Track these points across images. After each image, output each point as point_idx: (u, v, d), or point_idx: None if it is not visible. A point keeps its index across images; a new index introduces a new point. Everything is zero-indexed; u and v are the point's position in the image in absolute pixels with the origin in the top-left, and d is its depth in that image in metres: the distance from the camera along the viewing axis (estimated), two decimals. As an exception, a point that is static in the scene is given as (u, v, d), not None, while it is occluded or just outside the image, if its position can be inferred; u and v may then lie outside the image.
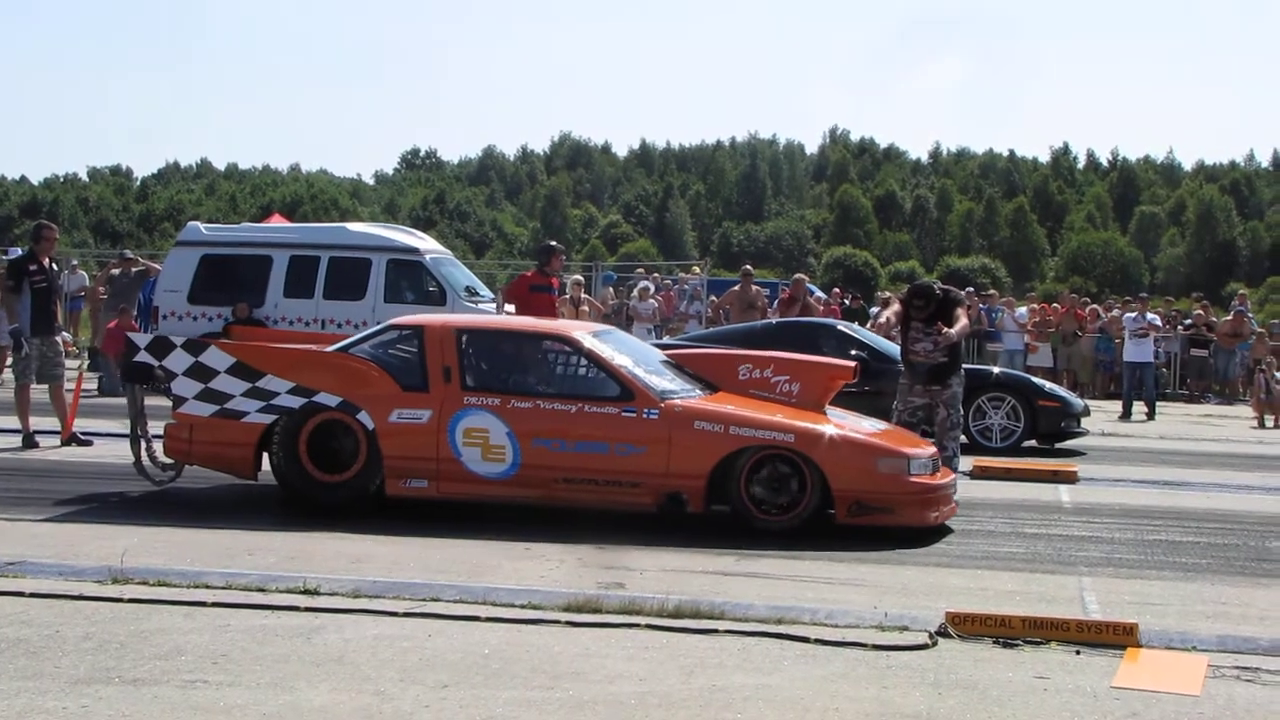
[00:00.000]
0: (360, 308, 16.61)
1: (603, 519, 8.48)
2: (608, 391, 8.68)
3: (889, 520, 8.39)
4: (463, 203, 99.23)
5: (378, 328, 9.61)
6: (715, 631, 5.86)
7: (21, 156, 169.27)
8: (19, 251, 19.42)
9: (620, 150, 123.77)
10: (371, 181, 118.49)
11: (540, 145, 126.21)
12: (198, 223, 19.44)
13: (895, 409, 10.31)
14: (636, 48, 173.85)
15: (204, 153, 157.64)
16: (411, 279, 17.08)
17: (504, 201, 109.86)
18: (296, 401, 8.82)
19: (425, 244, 17.99)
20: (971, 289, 26.91)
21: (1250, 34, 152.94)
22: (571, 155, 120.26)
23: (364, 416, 8.73)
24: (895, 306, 11.22)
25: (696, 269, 29.04)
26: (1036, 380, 14.73)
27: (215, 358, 8.99)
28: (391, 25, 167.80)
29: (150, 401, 9.39)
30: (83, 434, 12.03)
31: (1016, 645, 5.78)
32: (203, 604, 6.16)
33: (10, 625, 5.75)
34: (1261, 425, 18.35)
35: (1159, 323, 21.77)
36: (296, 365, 8.98)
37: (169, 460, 9.33)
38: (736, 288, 20.65)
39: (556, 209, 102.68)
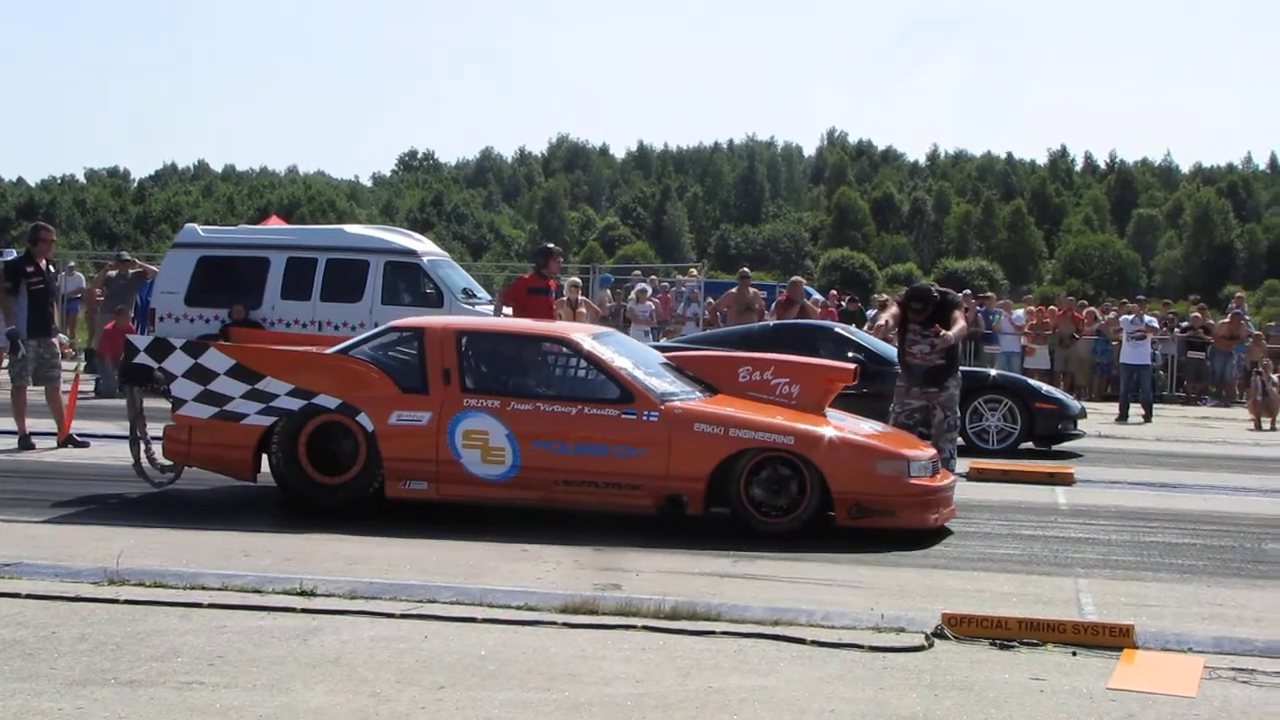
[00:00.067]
0: (357, 310, 16.62)
1: (600, 521, 8.48)
2: (608, 394, 8.68)
3: (889, 523, 8.40)
4: (460, 205, 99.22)
5: (377, 330, 9.61)
6: (712, 633, 5.86)
7: (18, 158, 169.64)
8: (14, 253, 19.39)
9: (618, 152, 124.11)
10: (369, 183, 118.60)
11: (538, 147, 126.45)
12: (195, 224, 19.46)
13: (892, 411, 10.32)
14: (634, 49, 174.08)
15: (201, 154, 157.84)
16: (409, 281, 17.10)
17: (501, 203, 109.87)
18: (296, 403, 8.82)
19: (423, 246, 18.01)
20: (969, 291, 26.94)
21: (1247, 37, 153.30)
22: (569, 157, 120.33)
23: (363, 418, 8.73)
24: (893, 309, 11.24)
25: (694, 271, 29.09)
26: (1033, 382, 14.74)
27: (215, 360, 8.99)
28: (389, 27, 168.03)
29: (149, 403, 9.39)
30: (79, 436, 12.02)
31: (1013, 647, 5.79)
32: (199, 605, 6.15)
33: (6, 626, 5.74)
34: (1258, 427, 18.37)
35: (1156, 325, 21.81)
36: (296, 367, 8.98)
37: (168, 462, 9.32)
38: (734, 290, 20.65)
39: (554, 211, 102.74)
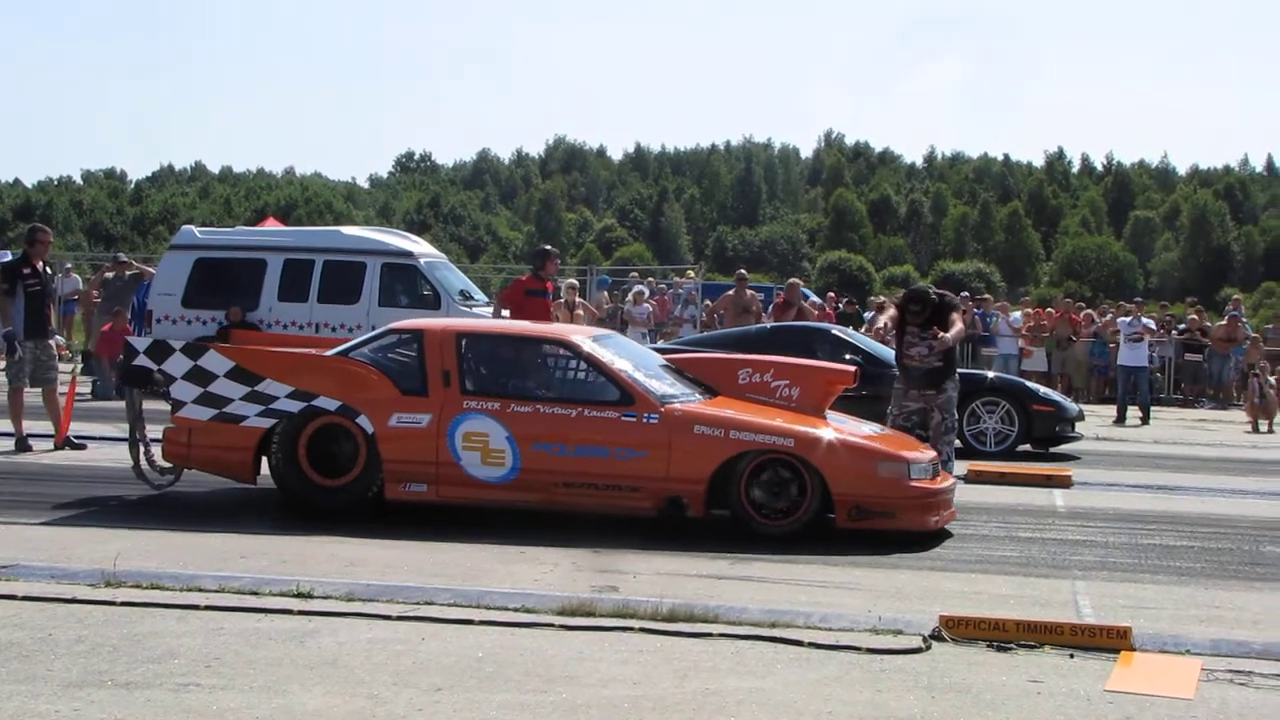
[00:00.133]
0: (354, 311, 16.60)
1: (597, 523, 8.47)
2: (608, 396, 8.68)
3: (889, 525, 8.40)
4: (457, 206, 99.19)
5: (377, 332, 9.60)
6: (709, 635, 5.86)
7: (15, 159, 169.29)
8: (11, 255, 19.36)
9: (615, 154, 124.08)
10: (366, 185, 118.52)
11: (535, 149, 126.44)
12: (192, 226, 19.42)
13: (890, 413, 10.33)
14: (632, 51, 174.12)
15: (198, 156, 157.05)
16: (406, 283, 17.08)
17: (499, 205, 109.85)
18: (296, 405, 8.82)
19: (420, 248, 17.99)
20: (966, 293, 26.95)
21: (1245, 38, 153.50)
22: (566, 159, 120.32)
23: (363, 420, 8.73)
24: (891, 311, 11.25)
25: (691, 273, 29.11)
26: (1031, 385, 14.74)
27: (214, 361, 8.98)
28: (386, 29, 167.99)
29: (148, 406, 9.39)
30: (76, 438, 12.01)
31: (1010, 649, 5.79)
32: (196, 607, 6.15)
33: (3, 628, 5.74)
34: (1255, 430, 18.37)
35: (1153, 327, 21.82)
36: (296, 369, 8.97)
37: (167, 464, 9.32)
38: (731, 292, 20.67)
39: (551, 213, 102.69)
